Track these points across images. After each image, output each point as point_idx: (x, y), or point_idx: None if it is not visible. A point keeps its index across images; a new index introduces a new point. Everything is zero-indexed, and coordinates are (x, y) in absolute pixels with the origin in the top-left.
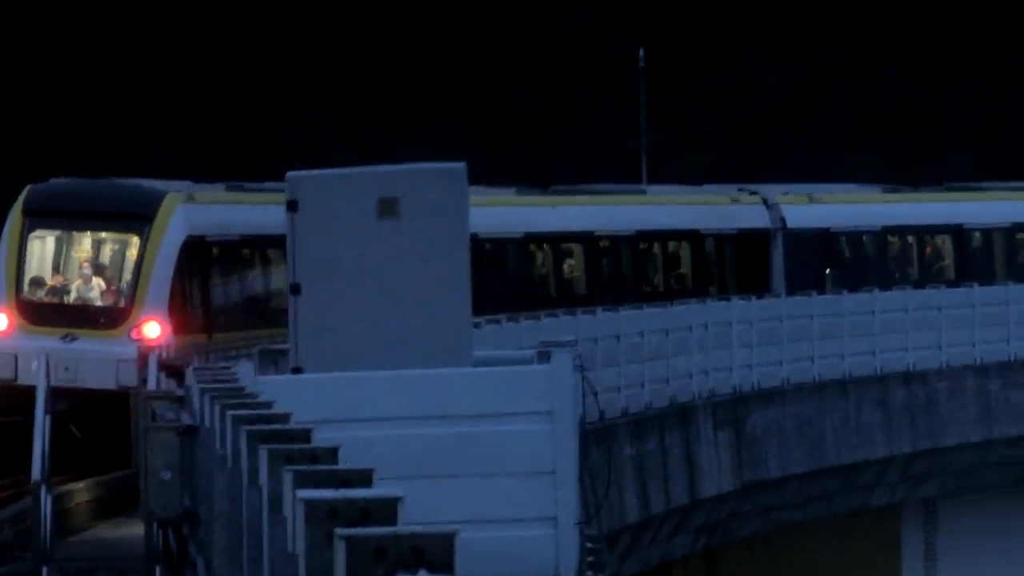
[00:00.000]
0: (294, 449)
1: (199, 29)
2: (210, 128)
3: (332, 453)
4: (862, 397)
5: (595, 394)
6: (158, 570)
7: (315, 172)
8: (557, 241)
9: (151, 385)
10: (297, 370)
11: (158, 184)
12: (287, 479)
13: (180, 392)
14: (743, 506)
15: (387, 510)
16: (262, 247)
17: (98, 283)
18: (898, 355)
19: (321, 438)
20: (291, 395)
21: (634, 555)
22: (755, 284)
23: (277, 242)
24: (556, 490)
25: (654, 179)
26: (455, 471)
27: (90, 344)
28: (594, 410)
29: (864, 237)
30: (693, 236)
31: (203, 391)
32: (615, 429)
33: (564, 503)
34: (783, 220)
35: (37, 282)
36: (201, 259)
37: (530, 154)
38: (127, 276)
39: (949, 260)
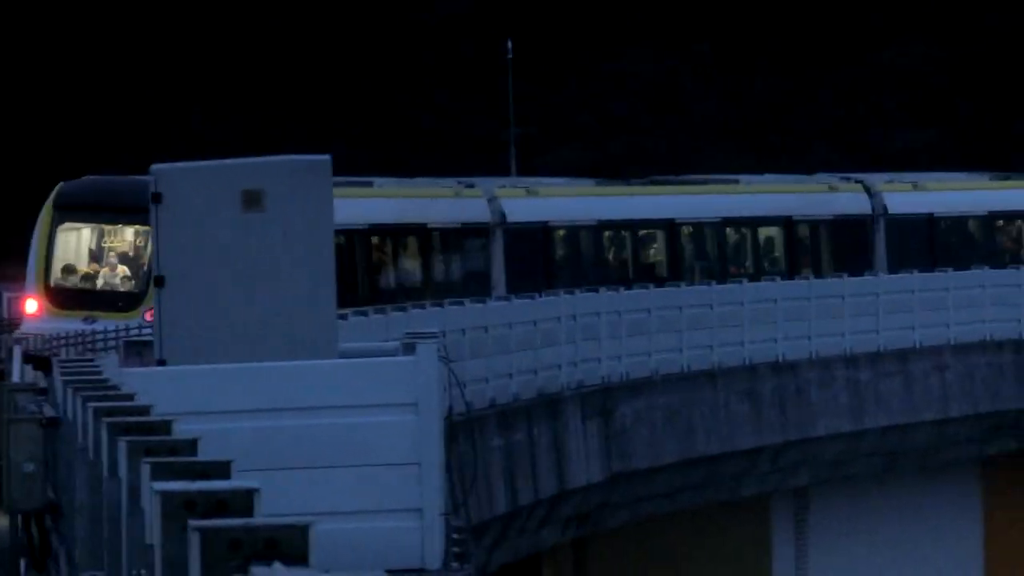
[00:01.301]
0: (153, 441)
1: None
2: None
3: (191, 445)
4: (731, 387)
5: (461, 385)
6: (22, 563)
7: (180, 164)
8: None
9: (15, 377)
10: (161, 362)
11: None
12: (145, 471)
13: (44, 384)
14: (612, 496)
15: (244, 502)
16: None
17: (122, 271)
18: (767, 345)
19: (182, 430)
20: (154, 387)
21: (503, 546)
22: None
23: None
24: (421, 481)
25: (525, 171)
26: (319, 463)
27: (107, 325)
28: (460, 401)
29: (970, 222)
30: (789, 222)
31: (66, 383)
32: (483, 420)
33: (429, 494)
34: (884, 207)
35: (66, 270)
36: None
37: (401, 147)
38: (145, 264)
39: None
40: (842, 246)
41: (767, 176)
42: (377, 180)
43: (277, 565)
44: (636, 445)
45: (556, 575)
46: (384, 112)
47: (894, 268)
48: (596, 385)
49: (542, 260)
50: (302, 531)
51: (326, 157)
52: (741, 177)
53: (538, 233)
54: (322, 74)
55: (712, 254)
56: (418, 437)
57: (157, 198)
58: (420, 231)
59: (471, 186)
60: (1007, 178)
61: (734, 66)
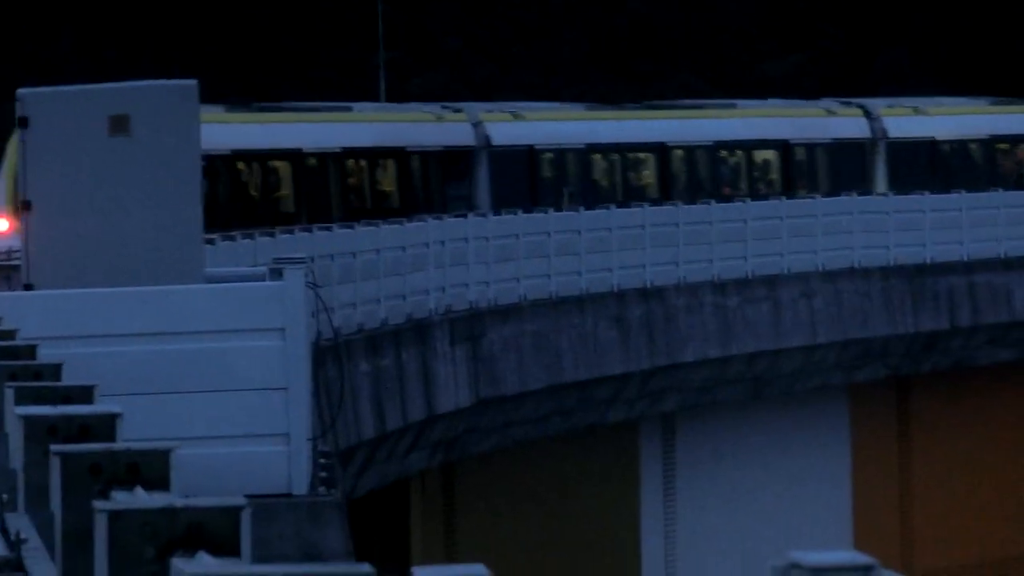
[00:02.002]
0: (17, 365)
1: None
2: None
3: (55, 370)
4: (599, 314)
5: (328, 311)
6: None
7: (46, 89)
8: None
9: None
10: (28, 287)
11: None
12: (8, 396)
13: None
14: (480, 422)
15: (106, 427)
16: (256, 160)
17: None
18: (636, 271)
19: (47, 355)
20: (21, 312)
21: (370, 471)
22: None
23: (255, 157)
24: (288, 406)
25: (393, 97)
26: (185, 388)
27: None
28: (328, 327)
29: (971, 146)
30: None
31: None
32: (351, 345)
33: (296, 419)
34: (886, 130)
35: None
36: None
37: (267, 72)
38: None
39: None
40: (840, 170)
41: (765, 101)
42: (356, 105)
43: (138, 490)
44: (504, 371)
45: (424, 500)
46: (250, 37)
47: (896, 192)
48: (465, 311)
49: (527, 184)
50: (163, 456)
51: (192, 82)
52: (738, 102)
53: (523, 156)
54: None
55: (705, 177)
56: (285, 362)
57: (23, 122)
58: (399, 154)
59: (458, 111)
60: (1009, 103)
61: None
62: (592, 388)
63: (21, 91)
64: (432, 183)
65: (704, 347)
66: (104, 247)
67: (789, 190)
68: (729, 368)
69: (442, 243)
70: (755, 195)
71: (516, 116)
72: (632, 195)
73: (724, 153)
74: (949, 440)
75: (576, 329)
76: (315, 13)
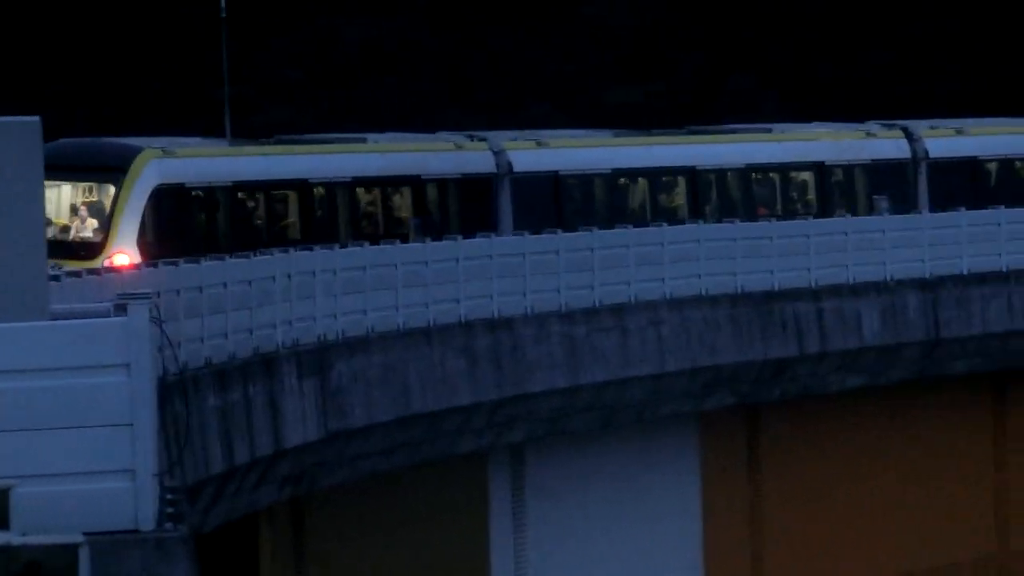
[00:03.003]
0: None
1: None
2: None
3: None
4: (447, 344)
5: (174, 346)
6: None
7: None
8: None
9: None
10: None
11: (140, 142)
12: None
13: None
14: (329, 455)
15: None
16: (247, 191)
17: (91, 223)
18: (483, 302)
19: None
20: None
21: (219, 506)
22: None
23: (261, 187)
24: (134, 443)
25: (239, 132)
26: (29, 425)
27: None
28: (174, 362)
29: (1017, 164)
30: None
31: None
32: (198, 380)
33: (142, 455)
34: (927, 151)
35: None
36: (176, 202)
37: (119, 106)
38: (107, 217)
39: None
40: (880, 190)
41: (795, 125)
42: (370, 136)
43: None
44: (352, 403)
45: (273, 535)
46: (95, 74)
47: (937, 211)
48: (312, 344)
49: (552, 209)
50: (2, 494)
51: (35, 119)
52: (774, 126)
53: (548, 183)
54: (43, 36)
55: (737, 198)
56: (130, 398)
57: None
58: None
59: (483, 139)
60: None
61: (448, 24)
62: (440, 419)
63: None
64: (451, 209)
65: (552, 377)
66: None
67: (822, 210)
68: (578, 397)
69: (288, 276)
70: (788, 215)
71: (540, 144)
72: (663, 216)
73: (756, 175)
74: (799, 467)
75: (424, 360)
76: (161, 49)
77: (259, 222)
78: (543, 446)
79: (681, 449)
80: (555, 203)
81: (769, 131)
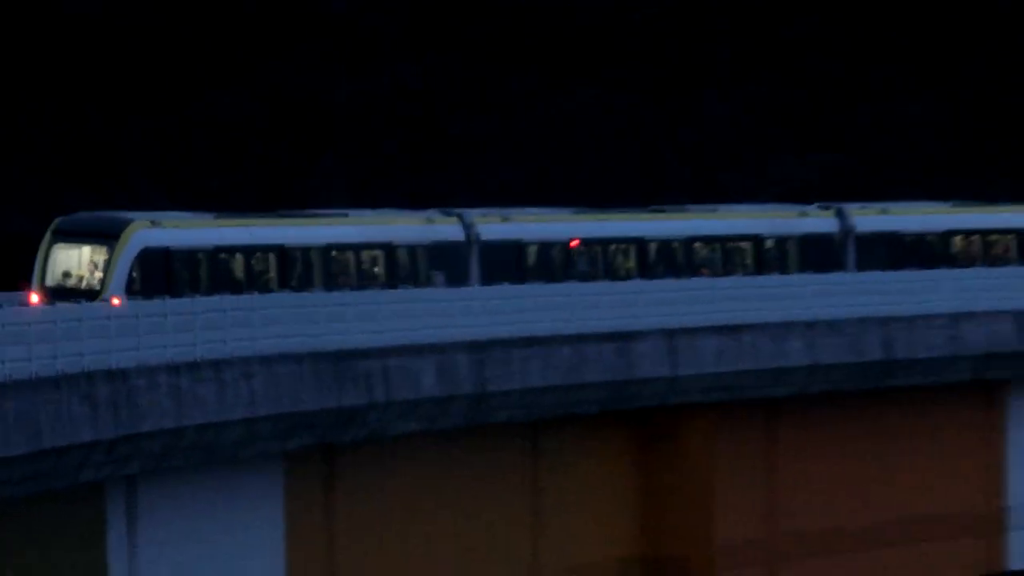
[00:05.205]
0: None
1: None
2: None
3: None
4: (73, 391)
5: None
6: None
7: None
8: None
9: None
10: None
11: (138, 215)
12: None
13: None
14: None
15: None
16: (221, 253)
17: (98, 276)
18: (102, 356)
19: None
20: None
21: None
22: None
23: (234, 250)
24: None
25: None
26: None
27: None
28: None
29: (929, 237)
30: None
31: None
32: None
33: None
34: (854, 227)
35: (57, 275)
36: (160, 262)
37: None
38: (104, 271)
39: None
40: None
41: (729, 206)
42: (351, 212)
43: None
44: None
45: None
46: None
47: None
48: None
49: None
50: None
51: None
52: (720, 206)
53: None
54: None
55: (682, 263)
56: None
57: None
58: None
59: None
60: (959, 205)
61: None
62: (64, 455)
63: None
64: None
65: (161, 420)
66: None
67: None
68: (183, 438)
69: None
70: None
71: (504, 219)
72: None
73: (698, 245)
74: (373, 502)
75: (53, 405)
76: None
77: (236, 278)
78: (155, 480)
79: (266, 487)
80: (516, 266)
81: (715, 211)
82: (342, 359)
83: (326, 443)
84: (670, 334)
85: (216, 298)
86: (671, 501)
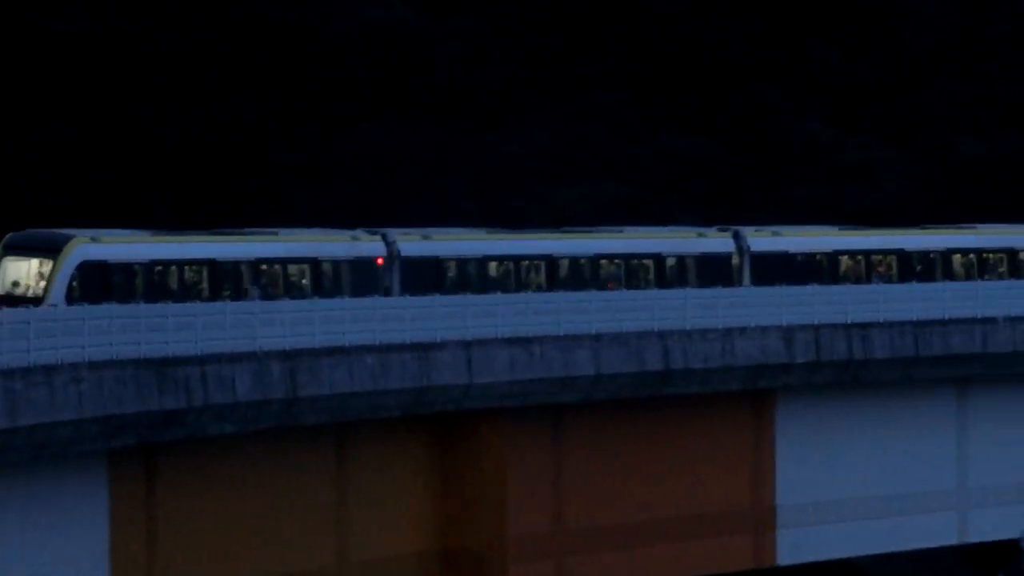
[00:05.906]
0: None
1: None
2: None
3: None
4: None
5: None
6: None
7: None
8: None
9: None
10: None
11: (81, 232)
12: None
13: None
14: None
15: None
16: (157, 266)
17: (40, 284)
18: None
19: None
20: None
21: None
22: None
23: (169, 263)
24: None
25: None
26: None
27: None
28: None
29: (818, 256)
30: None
31: None
32: None
33: None
34: (749, 247)
35: (7, 284)
36: (98, 273)
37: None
38: (47, 281)
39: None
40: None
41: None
42: (281, 230)
43: None
44: None
45: None
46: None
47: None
48: None
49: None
50: None
51: None
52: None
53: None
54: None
55: (589, 279)
56: None
57: None
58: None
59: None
60: (848, 229)
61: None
62: None
63: None
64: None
65: None
66: None
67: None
68: (16, 436)
69: None
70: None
71: (425, 237)
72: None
73: (604, 262)
74: (194, 501)
75: None
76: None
77: (171, 288)
78: None
79: (91, 485)
80: (435, 279)
81: (620, 231)
82: (164, 365)
83: (149, 443)
84: (467, 345)
85: (48, 309)
86: (467, 498)
